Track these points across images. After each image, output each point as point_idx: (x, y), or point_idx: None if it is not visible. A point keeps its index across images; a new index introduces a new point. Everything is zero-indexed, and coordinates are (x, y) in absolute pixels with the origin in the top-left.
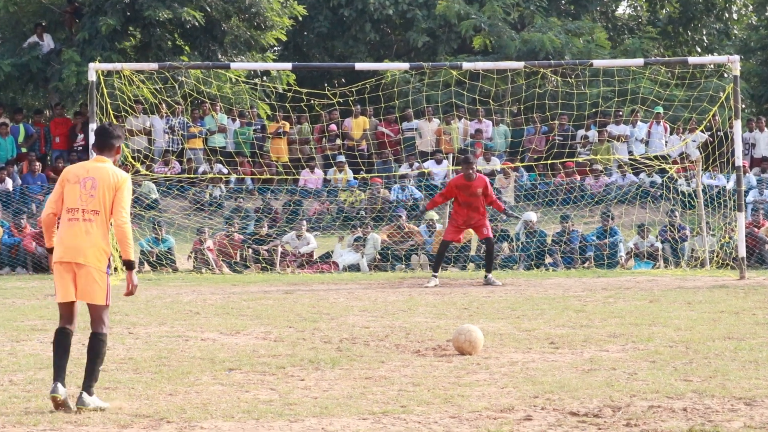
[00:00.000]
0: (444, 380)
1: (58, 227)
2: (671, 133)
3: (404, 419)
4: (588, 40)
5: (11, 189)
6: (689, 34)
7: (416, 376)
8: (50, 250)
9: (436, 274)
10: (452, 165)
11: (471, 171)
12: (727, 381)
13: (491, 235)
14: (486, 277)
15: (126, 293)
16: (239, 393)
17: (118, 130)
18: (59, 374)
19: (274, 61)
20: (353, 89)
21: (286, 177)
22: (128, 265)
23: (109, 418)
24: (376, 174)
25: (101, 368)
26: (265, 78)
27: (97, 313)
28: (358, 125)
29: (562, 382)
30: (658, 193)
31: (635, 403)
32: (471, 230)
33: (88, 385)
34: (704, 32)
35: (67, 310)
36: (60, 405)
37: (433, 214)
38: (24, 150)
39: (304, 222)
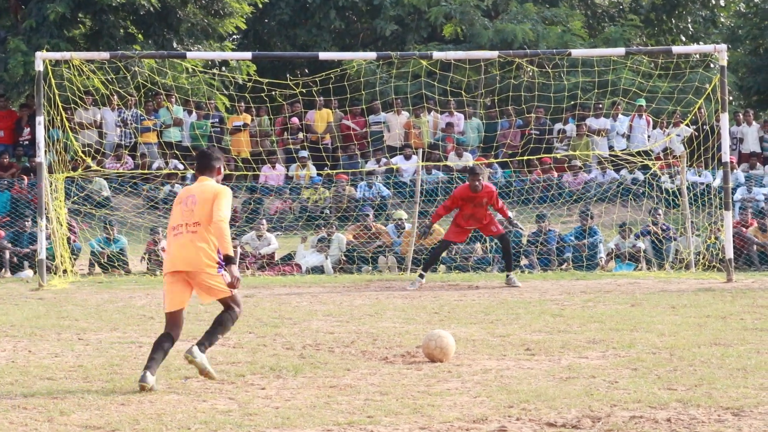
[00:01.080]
0: (413, 389)
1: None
2: (654, 127)
3: (371, 430)
4: (564, 29)
5: None
6: (674, 21)
7: (384, 385)
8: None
9: (424, 274)
10: (422, 160)
11: (477, 183)
12: (714, 390)
13: (503, 231)
14: (507, 276)
15: (229, 285)
16: (196, 403)
17: (217, 152)
18: (151, 364)
19: (233, 50)
20: (317, 80)
21: (245, 173)
22: (228, 259)
23: (57, 430)
24: (342, 170)
25: (219, 339)
26: (223, 68)
27: (225, 302)
28: (322, 118)
29: (539, 390)
30: (641, 191)
31: (616, 413)
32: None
33: (201, 343)
34: (689, 20)
35: (171, 318)
36: (146, 391)
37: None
38: None
39: (264, 221)
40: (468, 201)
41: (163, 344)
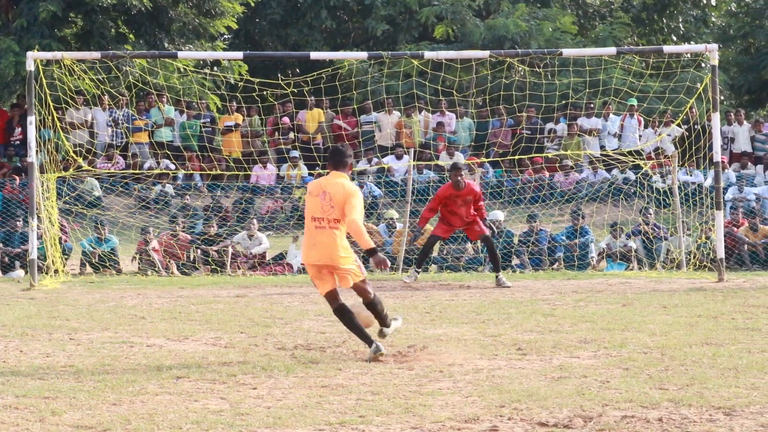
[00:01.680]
0: (405, 388)
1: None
2: (646, 127)
3: (363, 430)
4: (555, 27)
5: None
6: (665, 21)
7: (375, 384)
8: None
9: (419, 270)
10: (413, 160)
11: (460, 178)
12: (705, 389)
13: (487, 232)
14: (497, 278)
15: (378, 266)
16: (187, 402)
17: (349, 149)
18: (366, 337)
19: (225, 50)
20: (308, 79)
21: (237, 173)
22: (370, 252)
23: (49, 430)
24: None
25: (384, 310)
26: (215, 68)
27: (359, 288)
28: (313, 118)
29: (530, 390)
30: (632, 191)
31: (607, 412)
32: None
33: (382, 327)
34: (681, 19)
35: (329, 298)
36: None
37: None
38: None
39: (255, 221)
40: (452, 199)
41: (347, 316)
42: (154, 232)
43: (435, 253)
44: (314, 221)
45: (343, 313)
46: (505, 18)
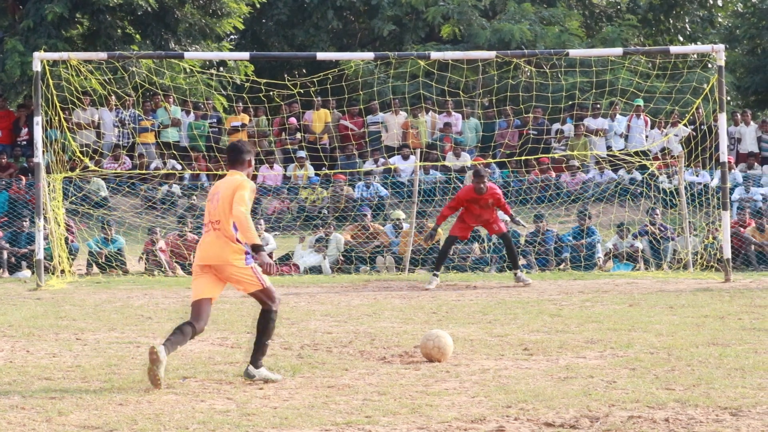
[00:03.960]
0: (411, 389)
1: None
2: (652, 127)
3: (369, 430)
4: (561, 29)
5: None
6: (671, 21)
7: (382, 385)
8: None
9: (438, 273)
10: (420, 161)
11: (482, 185)
12: (712, 390)
13: (505, 230)
14: (515, 275)
15: (264, 272)
16: (194, 403)
17: (247, 145)
18: (167, 340)
19: (231, 50)
20: (315, 80)
21: None
22: (255, 248)
23: (56, 430)
24: (339, 170)
25: (268, 345)
26: (221, 68)
27: (259, 298)
28: (320, 118)
29: (537, 390)
30: (638, 191)
31: (614, 413)
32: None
33: (254, 360)
34: (687, 20)
35: (195, 308)
36: (154, 357)
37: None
38: None
39: (262, 221)
40: (473, 203)
41: (183, 328)
42: (161, 232)
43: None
44: (204, 227)
45: (184, 326)
46: (512, 22)
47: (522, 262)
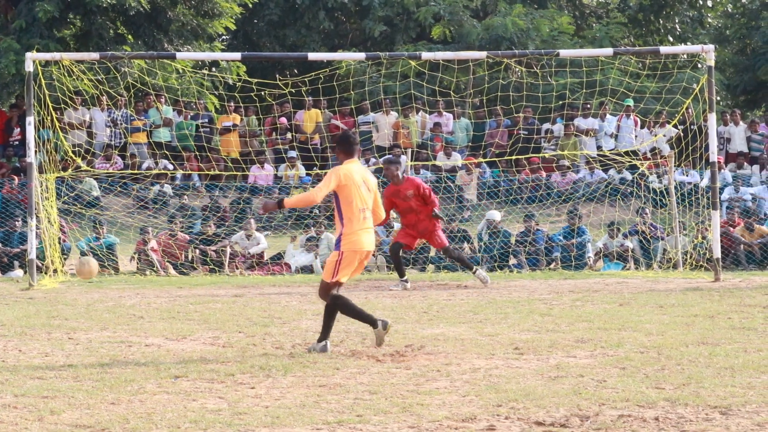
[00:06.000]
0: (402, 388)
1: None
2: (642, 127)
3: (360, 429)
4: (552, 27)
5: None
6: (661, 22)
7: (373, 384)
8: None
9: (405, 278)
10: (411, 160)
11: (396, 173)
12: (702, 389)
13: (446, 243)
14: (474, 274)
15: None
16: (186, 402)
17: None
18: (368, 318)
19: (223, 50)
20: (306, 80)
21: (235, 173)
22: (280, 203)
23: (48, 429)
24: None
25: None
26: (213, 69)
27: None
28: (311, 118)
29: (527, 389)
30: (629, 191)
31: (604, 412)
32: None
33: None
34: (677, 20)
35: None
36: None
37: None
38: None
39: (253, 221)
40: (396, 196)
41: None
42: (153, 231)
43: (432, 253)
44: (363, 211)
45: (339, 301)
46: (503, 18)
47: (512, 261)
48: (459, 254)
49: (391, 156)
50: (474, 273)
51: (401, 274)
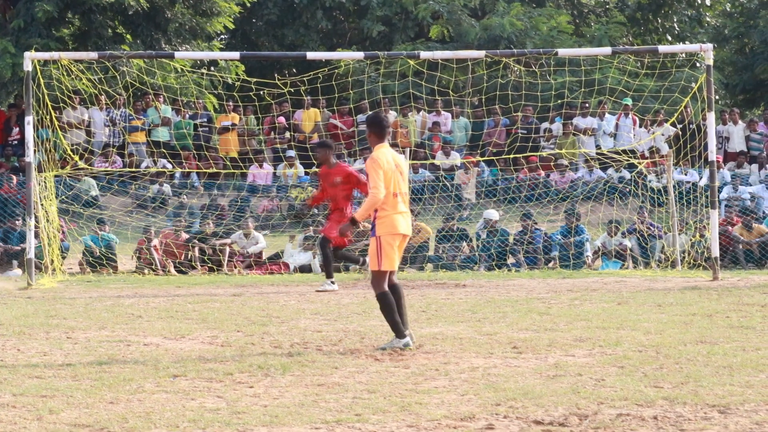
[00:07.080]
0: (401, 387)
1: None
2: (640, 126)
3: (359, 428)
4: (551, 26)
5: None
6: (660, 21)
7: (372, 383)
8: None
9: (332, 279)
10: (409, 159)
11: (327, 155)
12: (700, 387)
13: (334, 240)
14: (332, 281)
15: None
16: (184, 401)
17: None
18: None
19: (221, 50)
20: (305, 79)
21: (233, 172)
22: (353, 221)
23: (46, 428)
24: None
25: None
26: (212, 68)
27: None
28: (310, 117)
29: (526, 388)
30: (627, 190)
31: (603, 410)
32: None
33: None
34: (675, 19)
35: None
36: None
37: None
38: None
39: (251, 220)
40: (325, 180)
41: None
42: (155, 230)
43: (431, 252)
44: (396, 196)
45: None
46: (501, 17)
47: (511, 260)
48: (344, 254)
49: (324, 140)
50: (332, 280)
51: (329, 274)
